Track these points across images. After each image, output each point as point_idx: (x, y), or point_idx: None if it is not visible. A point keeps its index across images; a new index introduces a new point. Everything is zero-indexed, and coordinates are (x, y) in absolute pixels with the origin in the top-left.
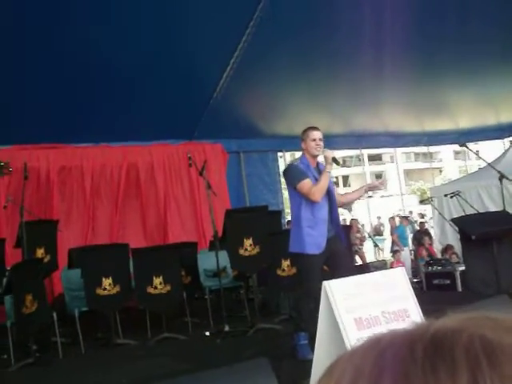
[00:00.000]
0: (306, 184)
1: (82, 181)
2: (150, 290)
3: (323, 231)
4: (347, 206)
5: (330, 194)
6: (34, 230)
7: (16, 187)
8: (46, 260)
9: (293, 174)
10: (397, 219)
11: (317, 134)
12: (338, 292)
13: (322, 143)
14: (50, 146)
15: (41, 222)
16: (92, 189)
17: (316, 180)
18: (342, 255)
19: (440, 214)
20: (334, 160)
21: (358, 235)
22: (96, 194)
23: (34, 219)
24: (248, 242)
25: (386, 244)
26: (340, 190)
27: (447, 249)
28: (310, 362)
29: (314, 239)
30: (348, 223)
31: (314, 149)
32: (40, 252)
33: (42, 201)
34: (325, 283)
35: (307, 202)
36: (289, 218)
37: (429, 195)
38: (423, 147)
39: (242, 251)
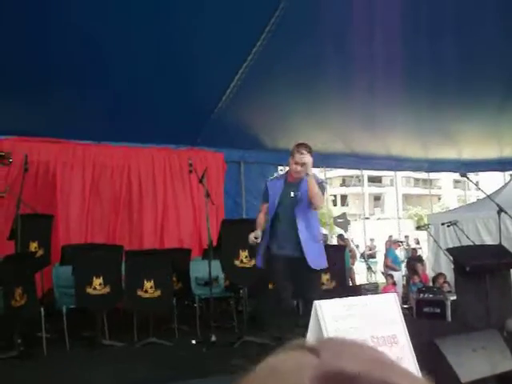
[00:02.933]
0: (261, 206)
1: (82, 178)
2: (141, 293)
3: (264, 245)
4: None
5: (292, 211)
6: (29, 223)
7: (14, 179)
8: (38, 254)
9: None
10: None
11: (299, 159)
12: (328, 313)
13: (304, 169)
14: (51, 140)
15: (36, 216)
16: (92, 187)
17: (277, 195)
18: (306, 279)
19: (435, 241)
20: None
21: (350, 254)
22: (95, 192)
23: (30, 212)
24: (244, 254)
25: (378, 266)
26: (338, 210)
27: (438, 277)
28: None
29: (259, 252)
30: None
31: (292, 171)
32: (33, 246)
33: (40, 195)
34: (316, 303)
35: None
36: None
37: (426, 221)
38: (423, 173)
39: (237, 262)
